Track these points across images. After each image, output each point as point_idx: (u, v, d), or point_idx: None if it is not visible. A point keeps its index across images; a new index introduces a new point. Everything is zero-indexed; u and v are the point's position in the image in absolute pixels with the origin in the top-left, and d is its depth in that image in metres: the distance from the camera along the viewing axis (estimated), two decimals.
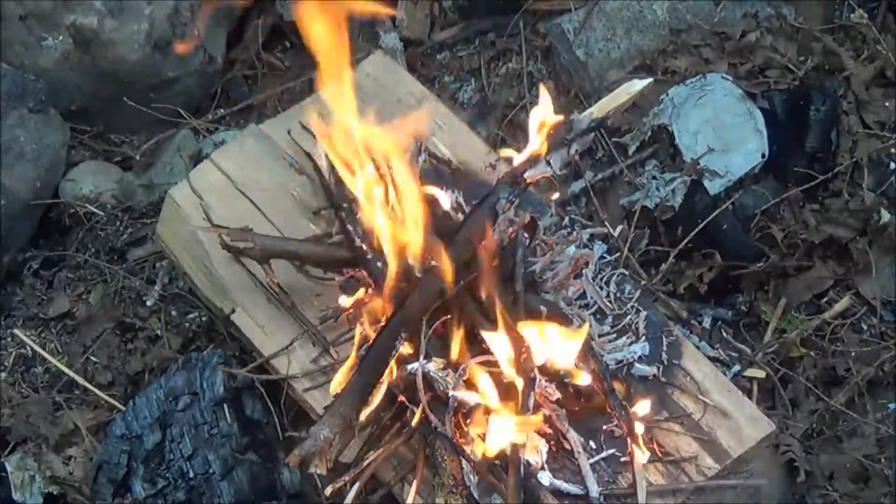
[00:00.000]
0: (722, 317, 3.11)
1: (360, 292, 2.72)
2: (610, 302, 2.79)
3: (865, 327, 3.09)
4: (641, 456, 2.54)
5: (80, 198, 3.37)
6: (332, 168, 2.76)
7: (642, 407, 2.55)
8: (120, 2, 3.36)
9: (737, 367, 2.97)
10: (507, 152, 2.64)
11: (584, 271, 2.78)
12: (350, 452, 2.54)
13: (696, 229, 3.06)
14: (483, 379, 2.47)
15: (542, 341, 2.45)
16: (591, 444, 2.60)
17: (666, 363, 2.72)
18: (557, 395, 2.56)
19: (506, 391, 2.49)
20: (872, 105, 3.24)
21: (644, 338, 2.74)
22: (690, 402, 2.67)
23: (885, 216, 3.09)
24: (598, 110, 2.52)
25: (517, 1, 3.57)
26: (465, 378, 2.46)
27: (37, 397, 3.09)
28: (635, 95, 2.53)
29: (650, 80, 2.55)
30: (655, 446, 2.60)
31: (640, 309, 2.78)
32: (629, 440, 2.55)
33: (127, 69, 3.40)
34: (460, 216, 2.75)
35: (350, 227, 2.66)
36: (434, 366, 2.47)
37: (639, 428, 2.56)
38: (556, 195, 2.89)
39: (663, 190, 3.11)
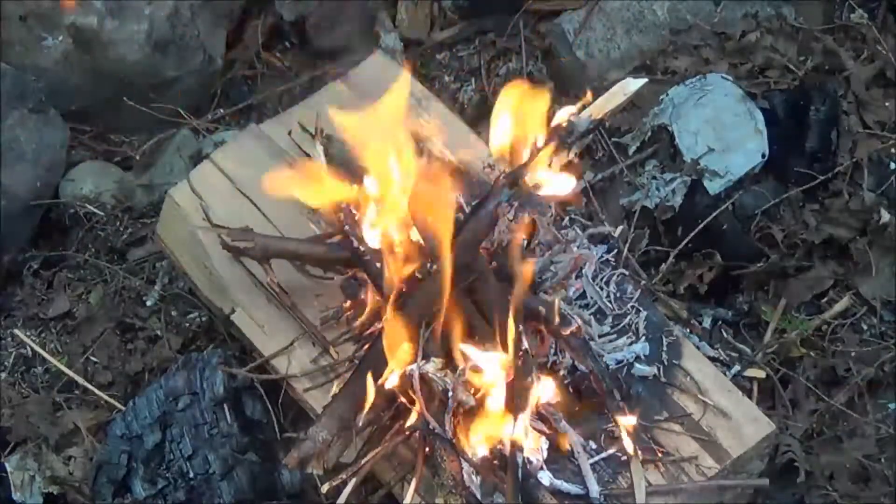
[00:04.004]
0: (722, 317, 3.11)
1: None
2: (610, 302, 2.79)
3: (865, 327, 3.09)
4: (630, 447, 2.54)
5: (80, 198, 3.37)
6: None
7: (629, 420, 2.56)
8: (120, 2, 3.36)
9: (737, 367, 2.97)
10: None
11: (583, 271, 2.78)
12: (350, 452, 2.54)
13: (696, 229, 3.05)
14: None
15: None
16: (591, 444, 2.60)
17: (666, 363, 2.72)
18: (557, 398, 2.57)
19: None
20: (872, 105, 3.24)
21: (644, 338, 2.74)
22: (690, 402, 2.67)
23: (885, 216, 3.09)
24: (595, 111, 2.52)
25: (517, 1, 3.57)
26: (464, 379, 2.46)
27: (37, 397, 3.09)
28: (632, 95, 2.53)
29: (646, 79, 2.55)
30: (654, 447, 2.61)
31: (640, 309, 2.78)
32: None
33: (127, 69, 3.40)
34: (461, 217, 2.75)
35: (349, 228, 2.66)
36: (432, 366, 2.47)
37: (631, 422, 2.56)
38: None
39: (663, 190, 3.11)
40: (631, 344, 2.72)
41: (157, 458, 2.76)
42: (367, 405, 2.46)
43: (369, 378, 2.45)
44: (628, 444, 2.55)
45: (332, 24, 3.63)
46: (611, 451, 2.59)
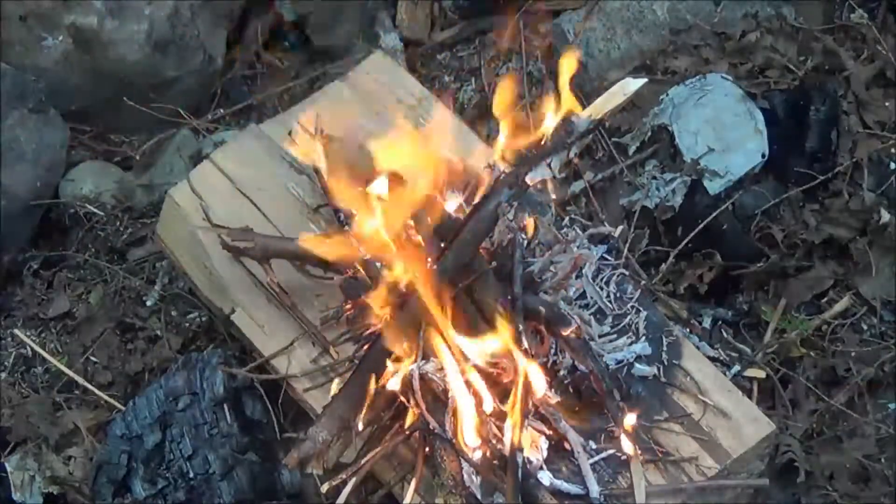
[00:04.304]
0: (722, 317, 3.11)
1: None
2: (610, 302, 2.79)
3: (865, 327, 3.09)
4: (629, 447, 2.54)
5: (80, 198, 3.37)
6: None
7: (629, 419, 2.56)
8: (120, 2, 3.36)
9: (737, 367, 2.97)
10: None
11: (583, 271, 2.78)
12: (350, 452, 2.54)
13: (696, 229, 3.06)
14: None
15: None
16: (591, 444, 2.60)
17: (666, 363, 2.72)
18: (557, 398, 2.57)
19: (504, 391, 2.50)
20: (872, 105, 3.24)
21: (644, 338, 2.74)
22: (690, 402, 2.68)
23: (885, 216, 3.09)
24: (594, 111, 2.51)
25: (517, 1, 3.57)
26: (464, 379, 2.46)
27: (37, 397, 3.09)
28: (631, 95, 2.52)
29: (645, 79, 2.55)
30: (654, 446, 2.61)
31: (640, 309, 2.78)
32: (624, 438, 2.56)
33: (127, 69, 3.40)
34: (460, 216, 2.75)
35: (348, 228, 2.66)
36: (432, 366, 2.47)
37: (631, 422, 2.56)
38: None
39: (663, 190, 3.11)
40: (631, 344, 2.72)
41: (157, 458, 2.76)
42: (365, 407, 2.46)
43: (371, 380, 2.45)
44: (627, 445, 2.55)
45: (332, 24, 3.63)
46: (611, 451, 2.59)
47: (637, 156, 3.22)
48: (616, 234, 3.01)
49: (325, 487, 2.48)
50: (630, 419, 2.55)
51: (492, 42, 3.62)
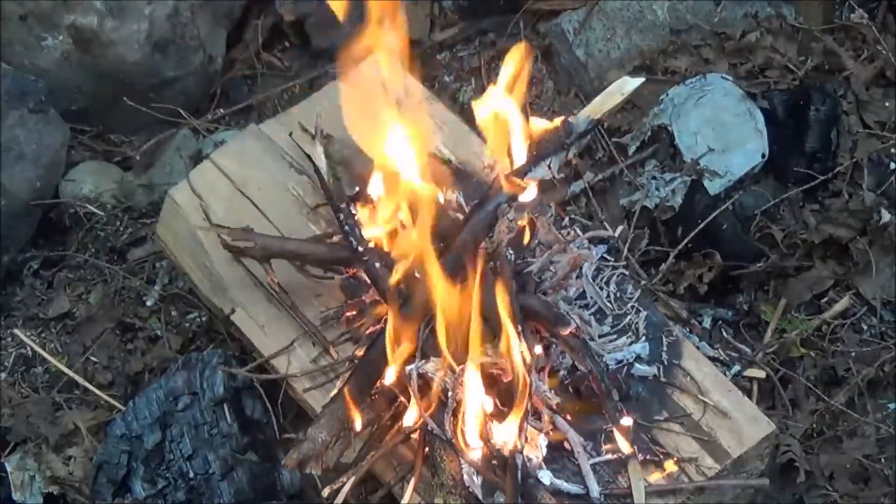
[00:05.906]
0: (722, 317, 3.11)
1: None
2: (610, 302, 2.79)
3: (865, 327, 3.09)
4: (626, 446, 2.54)
5: (80, 198, 3.37)
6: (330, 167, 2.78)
7: (626, 420, 2.56)
8: (120, 2, 3.36)
9: (737, 367, 2.97)
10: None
11: (583, 271, 2.78)
12: (350, 452, 2.54)
13: (696, 229, 3.05)
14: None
15: None
16: (591, 444, 2.60)
17: (666, 363, 2.72)
18: (557, 399, 2.57)
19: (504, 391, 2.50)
20: (872, 105, 3.24)
21: (644, 338, 2.74)
22: (690, 402, 2.68)
23: (885, 216, 3.09)
24: (591, 111, 2.51)
25: (517, 1, 3.57)
26: (462, 379, 2.46)
27: (37, 397, 3.09)
28: (628, 95, 2.52)
29: (643, 78, 2.55)
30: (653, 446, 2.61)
31: (640, 309, 2.78)
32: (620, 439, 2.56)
33: (127, 69, 3.40)
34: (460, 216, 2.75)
35: (348, 228, 2.66)
36: (431, 366, 2.47)
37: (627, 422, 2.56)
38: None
39: (663, 190, 3.11)
40: (631, 344, 2.72)
41: (157, 458, 2.76)
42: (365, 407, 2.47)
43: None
44: (623, 446, 2.55)
45: (332, 24, 3.62)
46: (610, 453, 2.58)
47: (637, 156, 3.22)
48: (616, 235, 3.01)
49: (326, 492, 2.48)
50: (627, 421, 2.55)
51: (492, 42, 3.61)
